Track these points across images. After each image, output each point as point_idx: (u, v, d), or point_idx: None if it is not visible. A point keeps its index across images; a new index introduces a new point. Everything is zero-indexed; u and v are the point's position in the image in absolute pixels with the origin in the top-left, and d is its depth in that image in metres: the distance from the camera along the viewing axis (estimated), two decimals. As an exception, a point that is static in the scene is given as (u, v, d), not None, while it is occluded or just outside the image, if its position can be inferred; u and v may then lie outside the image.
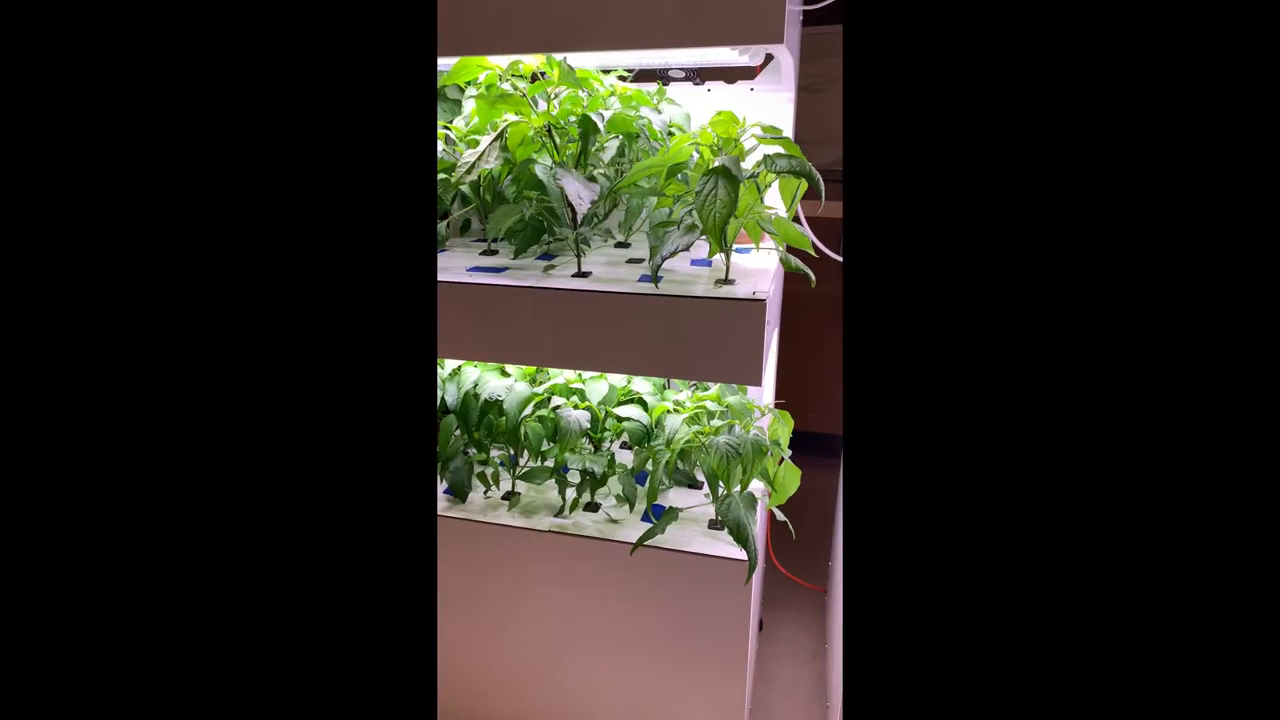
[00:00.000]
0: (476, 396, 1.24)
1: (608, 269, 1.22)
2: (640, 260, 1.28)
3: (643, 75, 1.39)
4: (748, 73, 1.41)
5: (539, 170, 1.15)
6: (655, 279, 0.99)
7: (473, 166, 1.10)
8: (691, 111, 1.35)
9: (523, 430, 1.23)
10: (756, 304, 1.01)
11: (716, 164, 0.97)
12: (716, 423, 1.18)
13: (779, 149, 1.01)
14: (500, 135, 1.09)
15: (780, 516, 1.23)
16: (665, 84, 1.39)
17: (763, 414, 1.20)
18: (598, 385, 1.24)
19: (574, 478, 1.29)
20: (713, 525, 1.27)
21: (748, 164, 1.02)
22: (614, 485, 1.36)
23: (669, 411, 1.19)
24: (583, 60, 1.08)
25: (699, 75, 1.40)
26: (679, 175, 1.06)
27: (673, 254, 0.98)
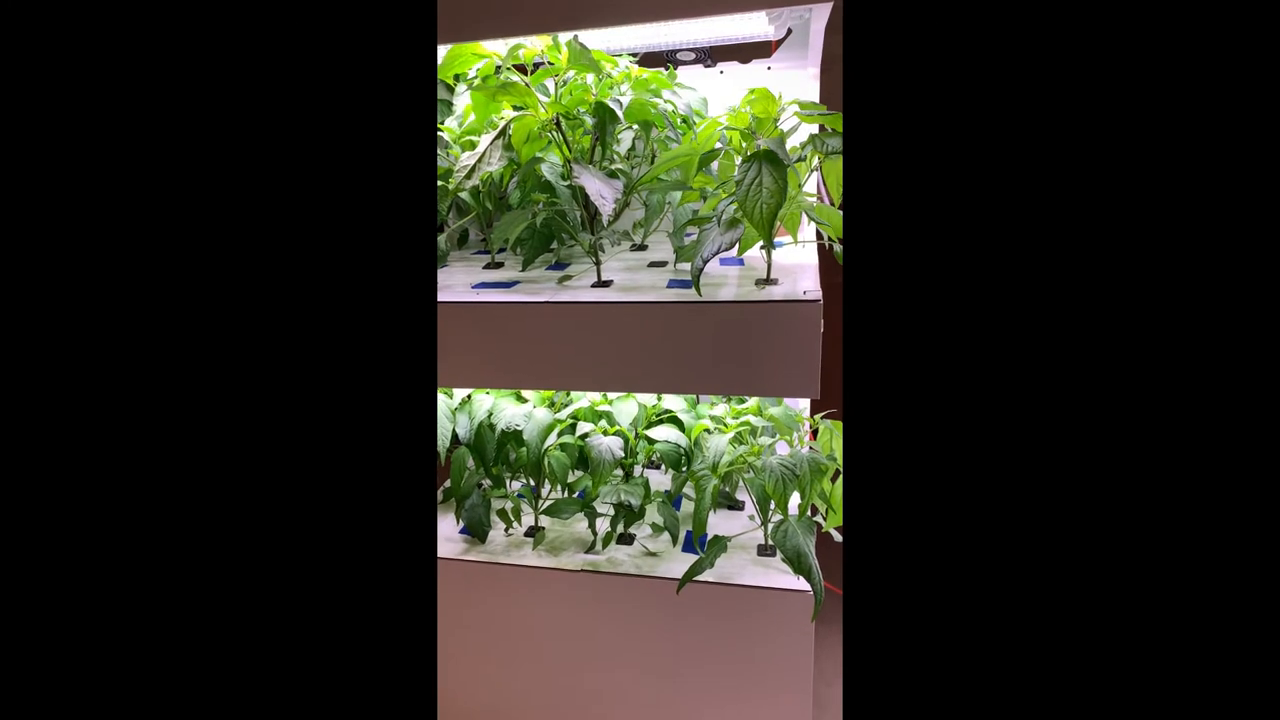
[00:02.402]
0: (492, 427, 1.11)
1: (628, 275, 1.10)
2: (662, 263, 1.16)
3: (648, 59, 1.26)
4: (762, 51, 1.29)
5: (546, 169, 1.02)
6: (696, 285, 0.86)
7: (473, 170, 0.97)
8: (707, 96, 1.22)
9: (546, 462, 1.10)
10: (810, 305, 0.89)
11: (759, 147, 0.84)
12: (764, 439, 1.06)
13: (818, 128, 0.89)
14: (503, 132, 0.95)
15: (838, 538, 1.11)
16: (674, 67, 1.26)
17: (813, 425, 1.08)
18: (626, 406, 1.11)
19: (605, 508, 1.16)
20: (762, 551, 1.15)
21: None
22: (649, 513, 1.23)
23: (709, 431, 1.06)
24: (589, 40, 0.95)
25: (710, 56, 1.27)
26: (709, 167, 0.93)
27: (715, 254, 0.85)
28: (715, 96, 1.25)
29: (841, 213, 0.94)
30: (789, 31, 1.17)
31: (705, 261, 0.85)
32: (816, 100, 1.24)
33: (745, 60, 1.28)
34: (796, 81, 1.25)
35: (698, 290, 0.87)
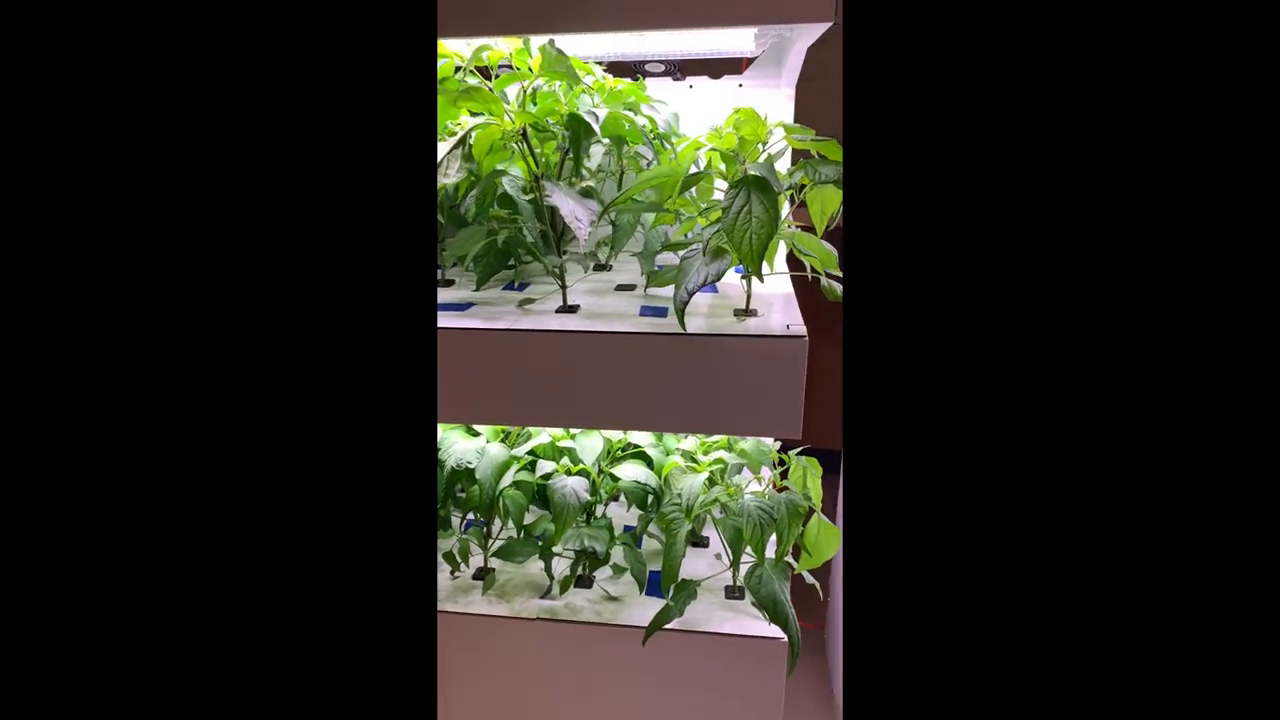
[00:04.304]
0: (440, 464, 1.01)
1: (594, 300, 1.02)
2: (630, 287, 1.08)
3: (616, 68, 1.19)
4: (733, 66, 1.24)
5: (508, 184, 0.93)
6: (681, 319, 0.79)
7: (427, 180, 0.87)
8: (677, 111, 1.16)
9: (501, 503, 1.00)
10: (796, 341, 0.84)
11: (747, 173, 0.78)
12: (738, 478, 1.00)
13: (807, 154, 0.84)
14: (462, 141, 0.86)
15: (810, 580, 1.06)
16: (642, 78, 1.19)
17: (788, 462, 1.02)
18: (590, 441, 1.03)
19: (564, 550, 1.08)
20: (730, 594, 1.09)
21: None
22: (613, 554, 1.15)
23: (680, 469, 1.00)
24: (559, 45, 0.86)
25: (680, 69, 1.21)
26: (690, 189, 0.86)
27: (700, 287, 0.78)
28: (685, 111, 1.19)
29: (827, 244, 0.89)
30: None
31: (690, 294, 0.78)
32: (790, 119, 1.20)
33: (715, 75, 1.22)
34: (768, 99, 1.20)
35: (682, 324, 0.80)
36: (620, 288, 1.08)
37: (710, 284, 0.79)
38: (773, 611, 0.93)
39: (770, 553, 0.96)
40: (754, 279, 0.88)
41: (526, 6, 0.72)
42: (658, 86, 1.22)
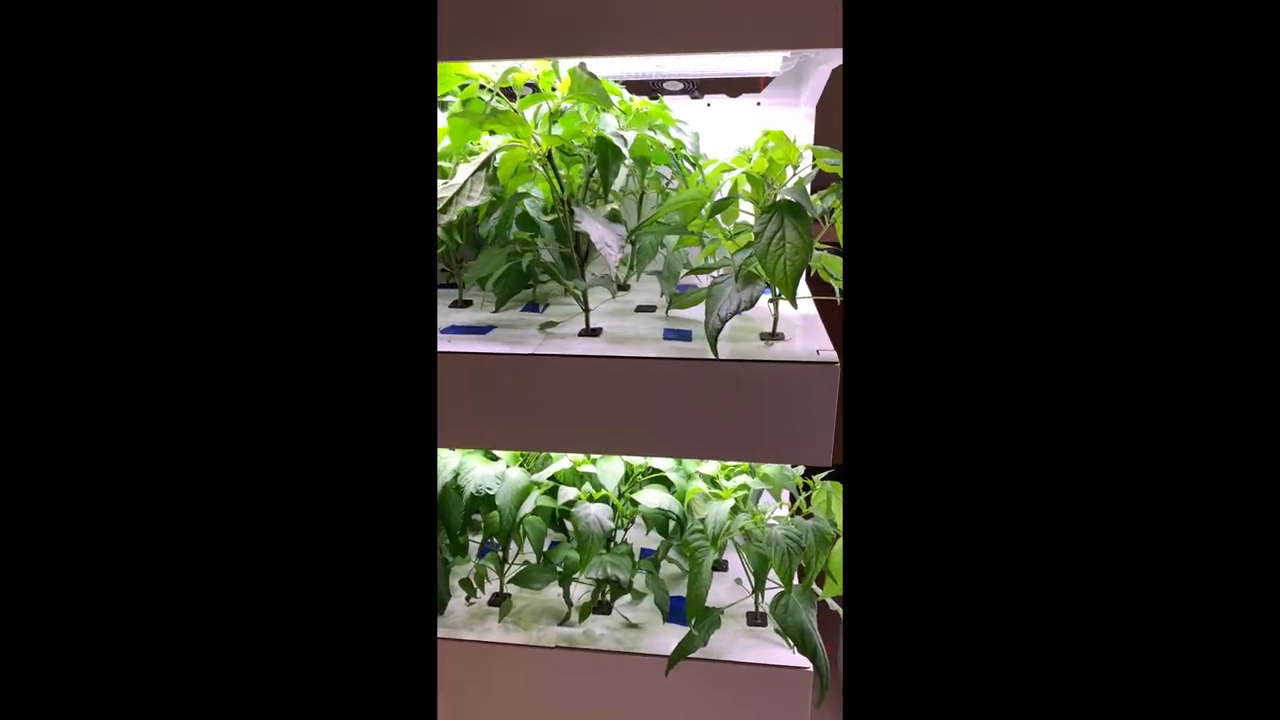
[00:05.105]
0: (459, 489, 0.98)
1: (616, 321, 1.00)
2: (650, 308, 1.07)
3: (633, 86, 1.18)
4: (751, 85, 1.23)
5: (531, 206, 0.92)
6: (714, 347, 0.78)
7: (449, 203, 0.85)
8: (698, 130, 1.14)
9: (521, 529, 0.98)
10: (827, 368, 0.82)
11: (778, 198, 0.77)
12: (762, 504, 0.98)
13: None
14: (487, 164, 0.84)
15: (834, 606, 1.04)
16: (660, 96, 1.18)
17: (813, 487, 1.01)
18: (611, 466, 1.01)
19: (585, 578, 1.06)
20: (753, 620, 1.07)
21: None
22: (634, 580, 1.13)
23: (705, 496, 0.98)
24: (593, 67, 0.85)
25: (698, 88, 1.20)
26: (716, 212, 0.85)
27: (734, 314, 0.77)
28: (703, 130, 1.18)
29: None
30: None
31: (724, 322, 0.77)
32: (810, 138, 1.19)
33: (734, 94, 1.21)
34: (788, 118, 1.19)
35: (714, 352, 0.79)
36: (641, 309, 1.07)
37: (745, 310, 0.77)
38: (801, 642, 0.91)
39: (795, 579, 0.94)
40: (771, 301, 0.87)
41: (556, 29, 0.70)
42: (676, 105, 1.21)
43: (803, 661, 0.97)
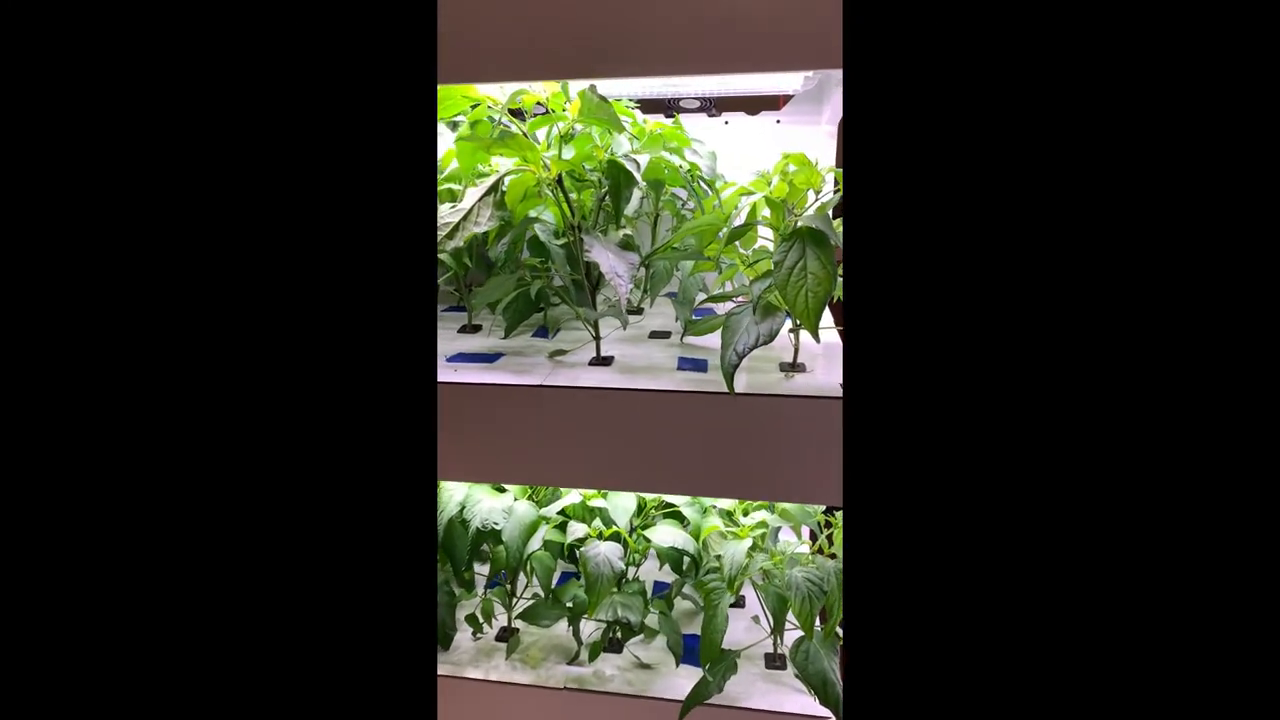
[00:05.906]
0: (464, 524, 0.95)
1: (628, 349, 0.96)
2: (665, 334, 1.03)
3: (649, 105, 1.15)
4: (770, 103, 1.19)
5: (541, 231, 0.88)
6: (730, 382, 0.74)
7: (456, 229, 0.82)
8: (714, 149, 1.11)
9: (529, 566, 0.94)
10: (851, 404, 0.77)
11: (798, 224, 0.73)
12: (782, 542, 0.93)
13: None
14: (495, 188, 0.81)
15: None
16: (676, 115, 1.15)
17: (834, 524, 0.96)
18: (622, 500, 0.97)
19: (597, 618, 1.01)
20: (771, 663, 1.02)
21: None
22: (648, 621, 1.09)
23: (722, 535, 0.93)
24: (599, 85, 0.82)
25: (715, 105, 1.17)
26: (733, 239, 0.81)
27: (751, 348, 0.73)
28: (721, 149, 1.14)
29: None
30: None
31: (741, 357, 0.72)
32: (831, 157, 1.14)
33: (753, 111, 1.18)
34: (808, 138, 1.15)
35: (730, 389, 0.74)
36: (655, 334, 1.03)
37: (764, 344, 0.73)
38: (822, 693, 0.86)
39: (818, 624, 0.89)
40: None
41: (566, 52, 0.67)
42: (693, 123, 1.18)
43: (824, 710, 0.92)
